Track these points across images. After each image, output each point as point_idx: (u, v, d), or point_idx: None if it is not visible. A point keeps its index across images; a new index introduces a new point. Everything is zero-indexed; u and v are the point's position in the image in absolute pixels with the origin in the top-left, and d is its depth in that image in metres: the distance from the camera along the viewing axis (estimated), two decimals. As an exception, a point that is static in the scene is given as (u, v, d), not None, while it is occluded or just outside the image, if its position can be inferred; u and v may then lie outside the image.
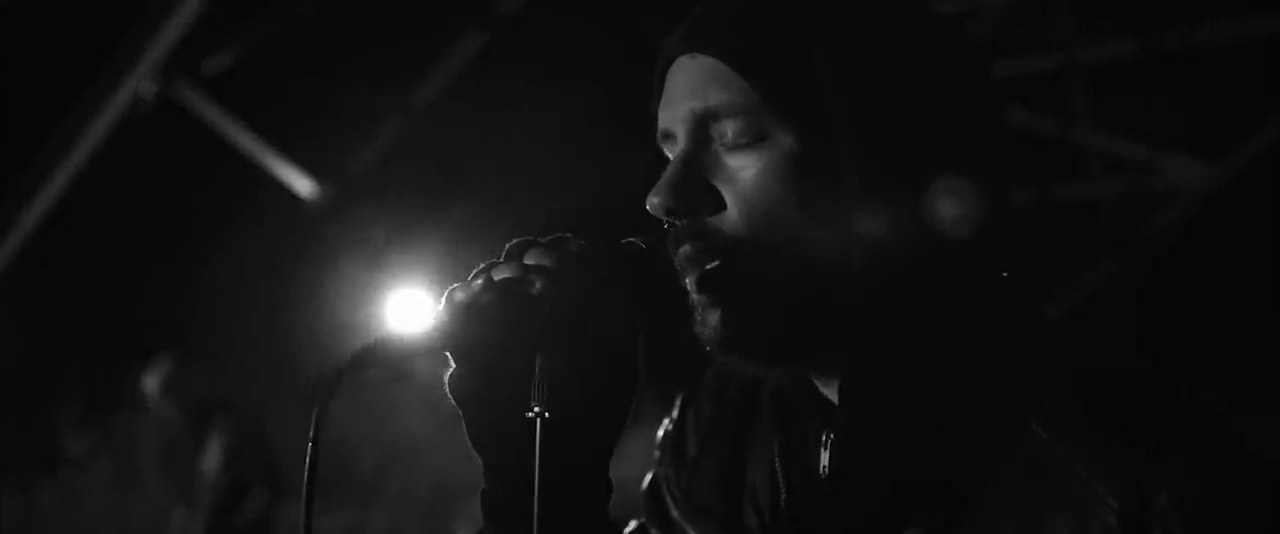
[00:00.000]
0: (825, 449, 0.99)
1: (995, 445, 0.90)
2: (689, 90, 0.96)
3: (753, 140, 0.93)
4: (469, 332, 0.91)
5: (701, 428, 1.12)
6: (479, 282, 0.92)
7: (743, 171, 0.93)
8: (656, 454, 1.15)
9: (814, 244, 0.92)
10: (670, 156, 1.00)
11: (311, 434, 0.89)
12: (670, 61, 0.99)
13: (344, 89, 5.36)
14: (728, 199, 0.94)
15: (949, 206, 0.94)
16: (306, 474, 0.89)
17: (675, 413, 1.15)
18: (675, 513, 1.12)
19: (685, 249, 0.94)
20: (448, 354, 0.96)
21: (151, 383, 4.50)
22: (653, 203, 0.95)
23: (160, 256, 5.44)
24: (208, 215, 5.16)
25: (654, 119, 1.02)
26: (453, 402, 0.97)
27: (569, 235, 0.94)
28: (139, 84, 4.58)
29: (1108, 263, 5.46)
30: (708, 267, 0.94)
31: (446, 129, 5.77)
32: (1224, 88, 4.87)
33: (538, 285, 0.91)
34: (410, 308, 6.04)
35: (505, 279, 0.91)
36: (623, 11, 5.40)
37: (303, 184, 5.56)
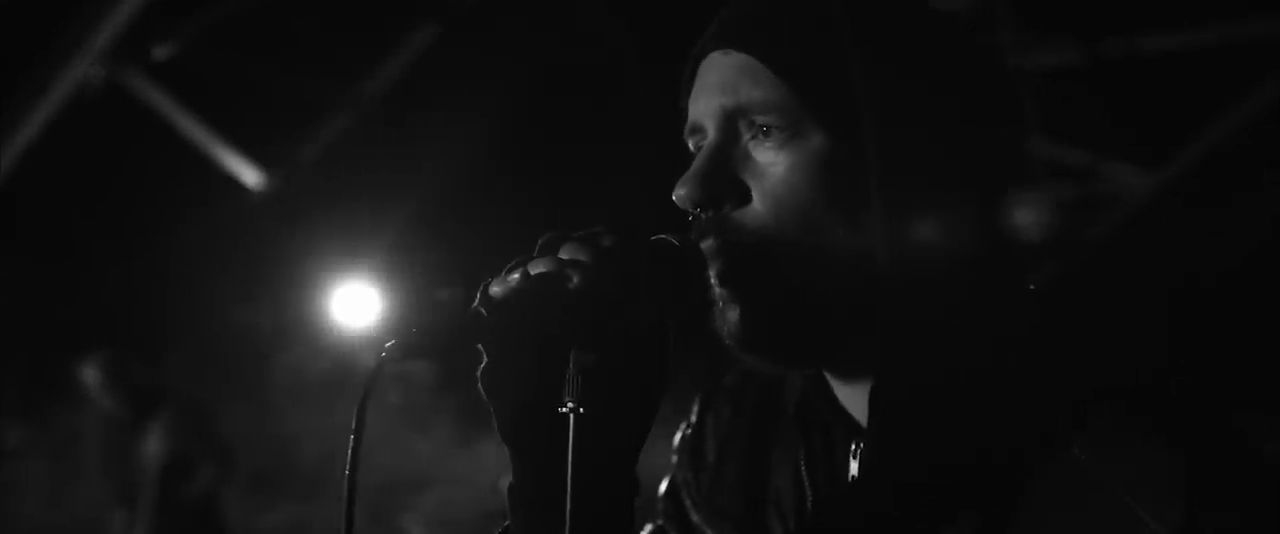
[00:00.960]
0: (854, 458, 0.99)
1: (1032, 462, 0.90)
2: (721, 86, 0.97)
3: (784, 137, 0.94)
4: (505, 325, 0.90)
5: (721, 432, 1.13)
6: (515, 275, 0.91)
7: (772, 167, 0.94)
8: (674, 457, 1.16)
9: (840, 242, 0.93)
10: (693, 150, 1.01)
11: (354, 426, 0.89)
12: (701, 57, 1.00)
13: (294, 79, 5.29)
14: (755, 194, 0.95)
15: (976, 210, 0.95)
16: (349, 467, 0.87)
17: (693, 417, 1.15)
18: (694, 516, 1.13)
19: (709, 242, 0.96)
20: (480, 348, 0.96)
21: (92, 375, 4.42)
22: (679, 194, 0.97)
23: (104, 245, 5.33)
24: (153, 204, 5.07)
25: (682, 113, 1.03)
26: (483, 395, 0.96)
27: (601, 230, 0.94)
28: (86, 69, 4.50)
29: (1049, 267, 5.56)
30: (731, 260, 0.95)
31: (397, 122, 5.72)
32: (1165, 94, 4.98)
33: (575, 280, 0.90)
34: (355, 302, 6.00)
35: (542, 274, 0.91)
36: (575, 9, 5.39)
37: (250, 174, 5.49)
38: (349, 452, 0.89)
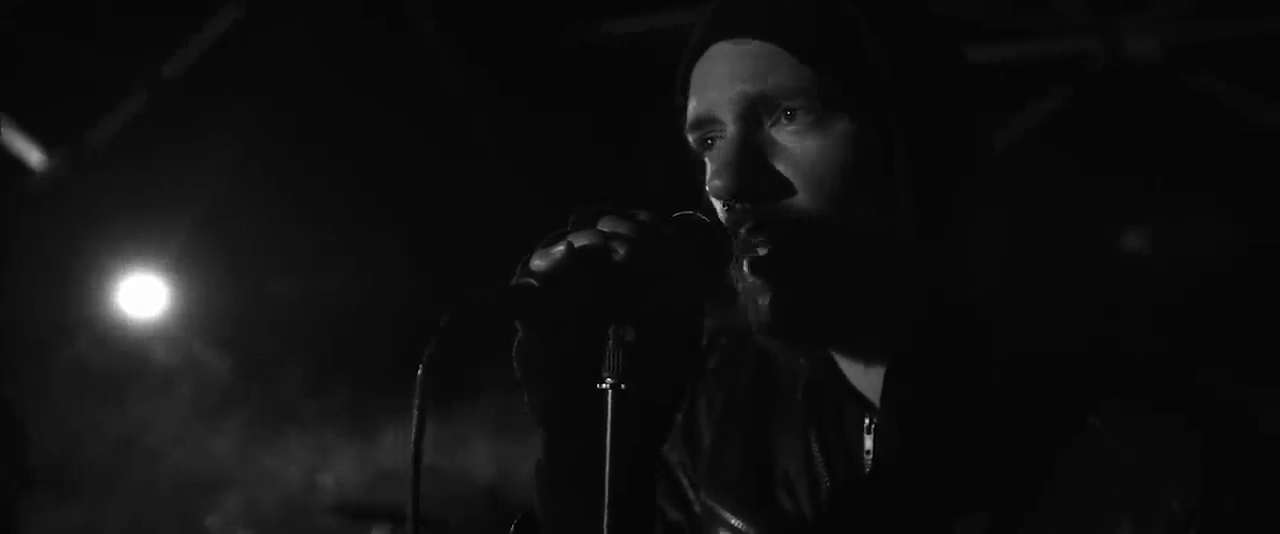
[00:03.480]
0: (868, 434, 1.01)
1: (1053, 439, 0.94)
2: (738, 74, 0.97)
3: (810, 121, 0.95)
4: (550, 299, 0.89)
5: (715, 415, 1.13)
6: (558, 248, 0.90)
7: (802, 153, 0.95)
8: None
9: (873, 223, 0.95)
10: (697, 143, 1.02)
11: (417, 403, 0.86)
12: (703, 49, 1.00)
13: (87, 56, 5.02)
14: (790, 179, 0.96)
15: (984, 188, 1.01)
16: (413, 449, 0.85)
17: (686, 401, 1.14)
18: (692, 495, 1.14)
19: (743, 231, 0.96)
20: (517, 323, 0.96)
21: None
22: (714, 185, 0.97)
23: None
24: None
25: (680, 109, 1.05)
26: (517, 372, 0.96)
27: (636, 207, 0.95)
28: None
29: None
30: (764, 251, 0.96)
31: (195, 105, 5.49)
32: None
33: (620, 253, 0.90)
34: (142, 293, 5.72)
35: (586, 247, 0.90)
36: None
37: (33, 154, 5.18)
38: (413, 430, 0.87)
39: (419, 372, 0.86)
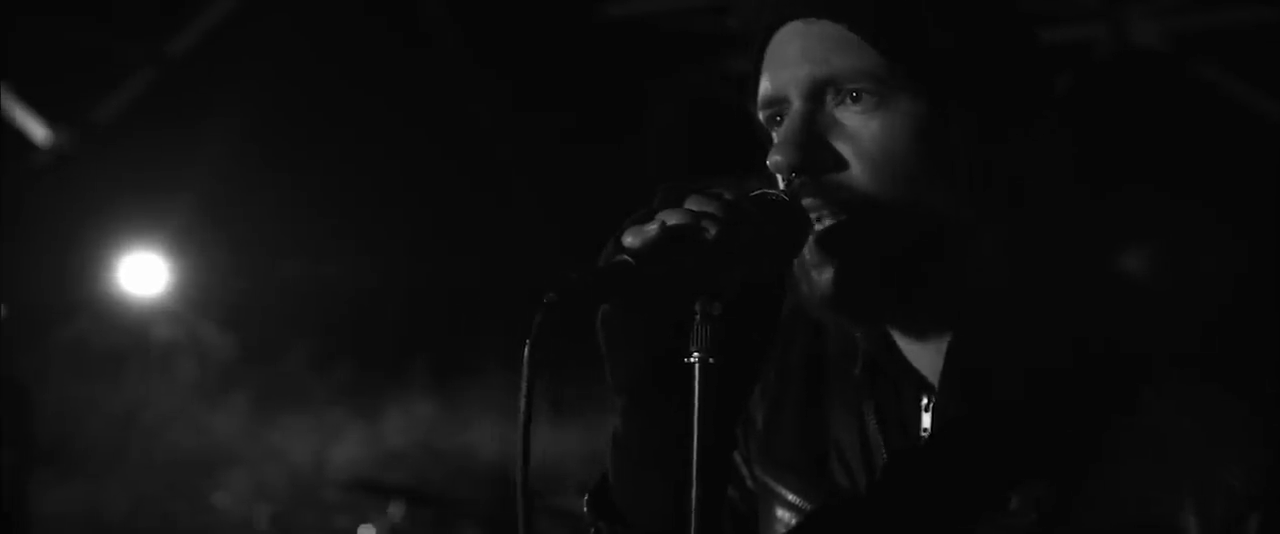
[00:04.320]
0: (926, 412, 1.03)
1: (1109, 413, 0.95)
2: (807, 54, 0.99)
3: (874, 102, 0.97)
4: (644, 276, 0.90)
5: (768, 392, 1.15)
6: (651, 226, 0.91)
7: (865, 131, 0.97)
8: None
9: (932, 203, 0.97)
10: (766, 121, 1.04)
11: (524, 383, 0.87)
12: (776, 27, 1.01)
13: (94, 34, 5.01)
14: (849, 157, 0.98)
15: (1040, 172, 1.01)
16: (522, 425, 0.86)
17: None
18: (745, 471, 1.16)
19: (806, 204, 0.98)
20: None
21: None
22: (775, 160, 0.99)
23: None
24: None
25: (752, 84, 1.04)
26: (602, 344, 0.97)
27: (719, 186, 0.95)
28: None
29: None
30: (828, 223, 0.98)
31: (198, 85, 5.48)
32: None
33: (712, 231, 0.91)
34: (143, 272, 5.71)
35: (678, 225, 0.91)
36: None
37: (38, 131, 5.17)
38: (521, 410, 0.87)
39: (526, 347, 0.86)
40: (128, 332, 5.62)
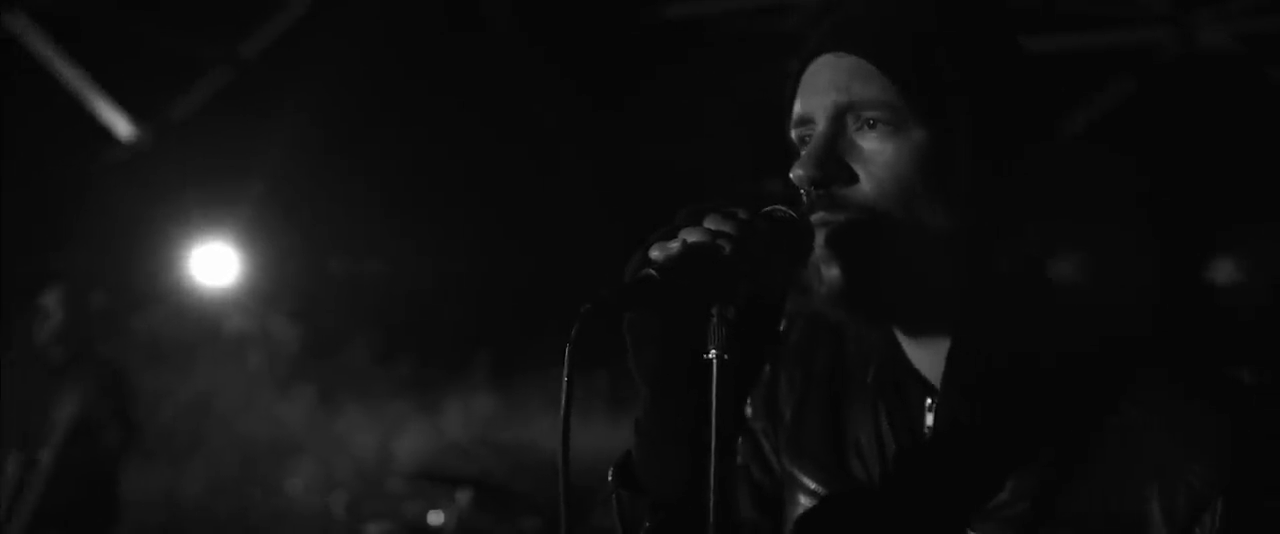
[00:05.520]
0: (929, 413, 1.14)
1: (1092, 417, 1.06)
2: (834, 84, 1.11)
3: (888, 130, 1.09)
4: (668, 287, 1.01)
5: (796, 391, 1.27)
6: (674, 244, 1.04)
7: (878, 155, 1.09)
8: (748, 410, 1.29)
9: (932, 220, 1.08)
10: (797, 139, 1.15)
11: (565, 381, 0.98)
12: (813, 57, 1.14)
13: (174, 34, 5.18)
14: (862, 176, 1.09)
15: (1035, 195, 1.11)
16: (563, 413, 0.97)
17: (765, 375, 1.29)
18: (774, 460, 1.27)
19: (819, 214, 1.10)
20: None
21: (52, 299, 4.21)
22: (796, 174, 1.10)
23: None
24: (22, 147, 4.89)
25: (788, 104, 1.16)
26: (629, 343, 1.08)
27: (733, 207, 1.07)
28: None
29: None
30: (838, 228, 1.09)
31: (270, 83, 5.64)
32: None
33: (727, 249, 1.03)
34: (215, 262, 5.89)
35: (698, 243, 1.03)
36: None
37: (122, 126, 5.36)
38: (562, 406, 0.98)
39: (567, 350, 0.98)
40: (199, 322, 5.80)
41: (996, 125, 1.10)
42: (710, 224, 1.05)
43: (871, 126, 1.10)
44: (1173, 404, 1.05)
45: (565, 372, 0.98)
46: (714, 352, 1.03)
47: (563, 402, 0.98)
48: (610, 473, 1.15)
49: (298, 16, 5.46)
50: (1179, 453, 1.03)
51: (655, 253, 1.03)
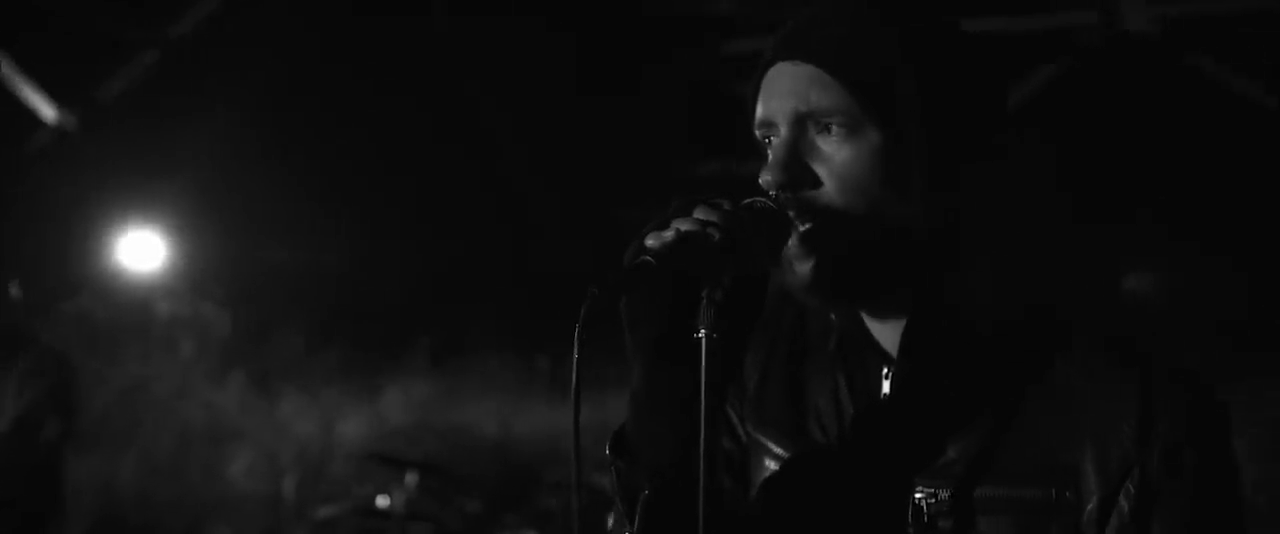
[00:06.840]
0: (886, 380, 1.26)
1: (1030, 381, 1.19)
2: (793, 91, 1.21)
3: (845, 134, 1.19)
4: (662, 272, 1.11)
5: (759, 362, 1.37)
6: (668, 233, 1.13)
7: (837, 157, 1.19)
8: None
9: (889, 213, 1.19)
10: (760, 139, 1.26)
11: (574, 367, 1.06)
12: (771, 64, 1.23)
13: (101, 15, 5.09)
14: (824, 177, 1.20)
15: (983, 186, 1.23)
16: (573, 395, 1.05)
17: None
18: (740, 428, 1.37)
19: (789, 214, 1.20)
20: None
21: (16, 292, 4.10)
22: (765, 179, 1.21)
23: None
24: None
25: (750, 108, 1.26)
26: (624, 322, 1.18)
27: (720, 199, 1.16)
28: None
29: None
30: (808, 226, 1.20)
31: (200, 67, 5.55)
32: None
33: (716, 237, 1.13)
34: (142, 248, 5.79)
35: (689, 231, 1.13)
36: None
37: (47, 110, 5.26)
38: (572, 393, 1.06)
39: (577, 331, 1.07)
40: (129, 309, 5.71)
41: (947, 123, 1.20)
42: (699, 214, 1.15)
43: (829, 130, 1.20)
44: (1105, 369, 1.18)
45: (575, 351, 1.06)
46: (703, 330, 1.14)
47: (573, 381, 1.06)
48: (607, 444, 1.24)
49: (227, -1, 5.39)
50: (1111, 411, 1.15)
51: (650, 241, 1.13)
